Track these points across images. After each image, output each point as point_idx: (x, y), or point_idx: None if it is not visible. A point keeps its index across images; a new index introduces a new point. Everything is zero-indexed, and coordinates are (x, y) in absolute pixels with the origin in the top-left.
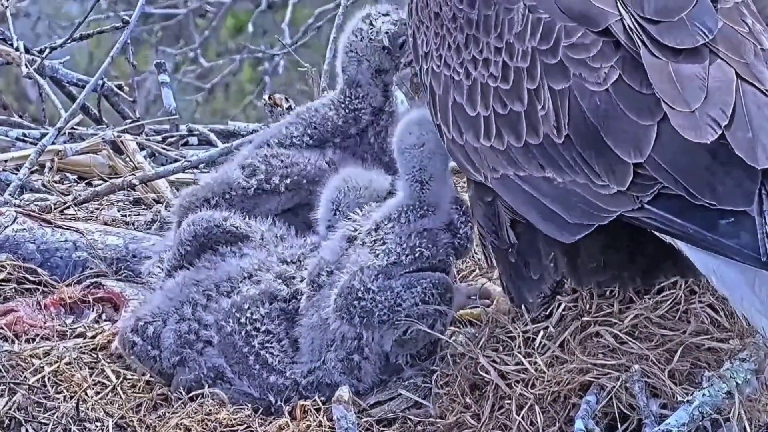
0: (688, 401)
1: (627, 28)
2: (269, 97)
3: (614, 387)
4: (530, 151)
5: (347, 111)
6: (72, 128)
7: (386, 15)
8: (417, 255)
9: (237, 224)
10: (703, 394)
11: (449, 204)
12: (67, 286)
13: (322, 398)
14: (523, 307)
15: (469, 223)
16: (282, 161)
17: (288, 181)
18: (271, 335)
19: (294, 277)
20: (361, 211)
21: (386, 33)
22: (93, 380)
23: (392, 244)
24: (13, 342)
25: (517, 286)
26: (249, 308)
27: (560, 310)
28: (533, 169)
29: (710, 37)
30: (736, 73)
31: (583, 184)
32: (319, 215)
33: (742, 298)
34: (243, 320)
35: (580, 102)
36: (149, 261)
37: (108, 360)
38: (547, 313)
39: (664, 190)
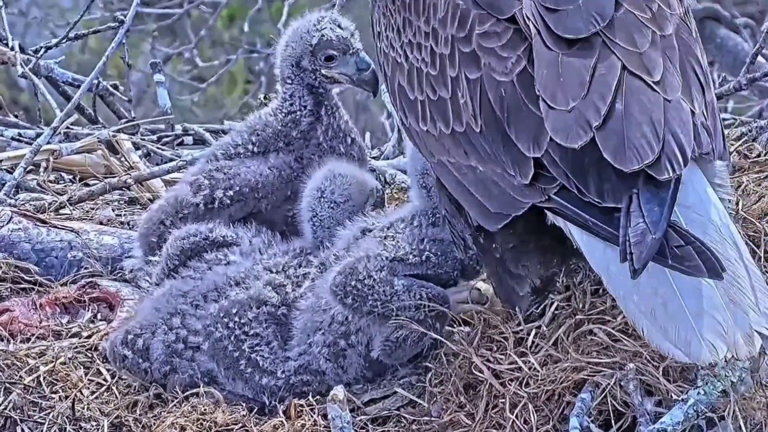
0: (683, 399)
1: (525, 17)
2: (264, 97)
3: (608, 385)
4: (456, 139)
5: (284, 114)
6: (67, 128)
7: (339, 26)
8: (424, 258)
9: (223, 233)
10: (698, 393)
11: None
12: (62, 285)
13: (310, 388)
14: (515, 305)
15: None
16: (225, 173)
17: (231, 192)
18: (260, 338)
19: (284, 285)
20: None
21: (322, 36)
22: (88, 380)
23: (402, 242)
24: (8, 342)
25: (505, 279)
26: (237, 312)
27: (553, 308)
28: (460, 156)
29: (603, 25)
30: (623, 66)
31: (500, 174)
32: (303, 206)
33: (625, 299)
34: (231, 325)
35: (488, 93)
36: (132, 260)
37: (103, 360)
38: (540, 311)
39: None
